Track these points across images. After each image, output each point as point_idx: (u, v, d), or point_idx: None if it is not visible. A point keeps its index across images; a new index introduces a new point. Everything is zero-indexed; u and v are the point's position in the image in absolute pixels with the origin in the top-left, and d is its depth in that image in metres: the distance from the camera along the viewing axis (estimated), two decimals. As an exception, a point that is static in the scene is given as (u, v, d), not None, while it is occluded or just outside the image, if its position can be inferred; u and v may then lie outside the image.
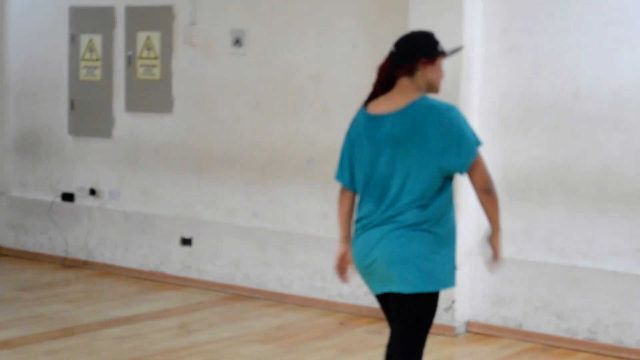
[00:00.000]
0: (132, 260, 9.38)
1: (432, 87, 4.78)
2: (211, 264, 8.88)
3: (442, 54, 4.80)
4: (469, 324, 7.52)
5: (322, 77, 8.22)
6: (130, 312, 8.03)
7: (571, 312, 7.09)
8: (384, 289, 4.64)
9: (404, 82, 4.70)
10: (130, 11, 9.31)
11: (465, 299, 7.49)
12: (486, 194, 4.68)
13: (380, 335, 7.30)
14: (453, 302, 7.41)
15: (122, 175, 9.47)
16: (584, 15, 7.00)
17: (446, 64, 7.17)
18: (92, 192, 9.65)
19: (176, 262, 9.09)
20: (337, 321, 7.79)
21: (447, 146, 4.53)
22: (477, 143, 4.62)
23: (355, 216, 4.79)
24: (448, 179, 4.64)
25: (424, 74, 4.72)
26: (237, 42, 8.63)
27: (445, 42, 7.16)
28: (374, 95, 4.84)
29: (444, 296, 7.29)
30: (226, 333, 7.41)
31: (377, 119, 4.71)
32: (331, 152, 8.11)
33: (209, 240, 8.89)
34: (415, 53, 4.72)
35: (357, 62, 8.00)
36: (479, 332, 7.46)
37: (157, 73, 9.13)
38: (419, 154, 4.56)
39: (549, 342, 7.13)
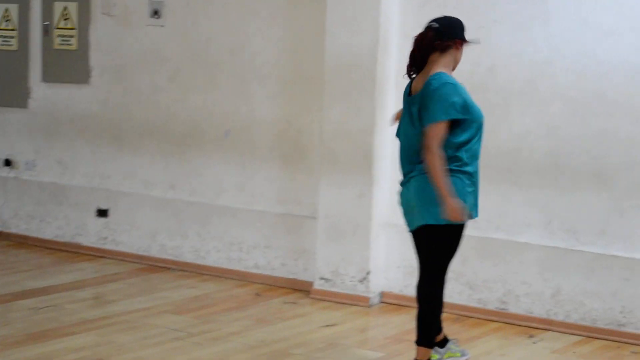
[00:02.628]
0: (48, 232, 9.23)
1: (454, 67, 5.54)
2: (127, 235, 8.77)
3: (468, 41, 5.55)
4: (383, 294, 7.50)
5: (240, 50, 8.11)
6: (45, 283, 7.90)
7: (483, 283, 7.10)
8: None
9: (433, 58, 5.43)
10: (48, -18, 9.13)
11: (379, 270, 7.46)
12: (427, 151, 5.33)
13: (295, 306, 7.32)
14: (368, 273, 7.38)
15: (38, 146, 9.29)
16: (499, -9, 6.99)
17: (364, 37, 7.26)
18: (7, 162, 9.44)
19: (92, 233, 8.97)
20: (253, 292, 7.72)
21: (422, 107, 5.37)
22: (436, 118, 5.31)
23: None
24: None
25: (455, 53, 5.50)
26: (156, 13, 8.50)
27: (362, 15, 7.25)
28: (411, 65, 5.53)
29: (359, 267, 7.31)
30: (141, 304, 7.31)
31: (411, 99, 5.50)
32: (249, 125, 8.07)
33: (126, 211, 8.77)
34: (454, 34, 5.46)
35: (276, 35, 7.92)
36: (393, 302, 7.44)
37: (74, 43, 8.96)
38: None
39: (462, 312, 7.13)
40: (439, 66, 5.42)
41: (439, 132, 5.31)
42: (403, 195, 5.64)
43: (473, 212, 5.58)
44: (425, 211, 5.44)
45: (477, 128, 5.45)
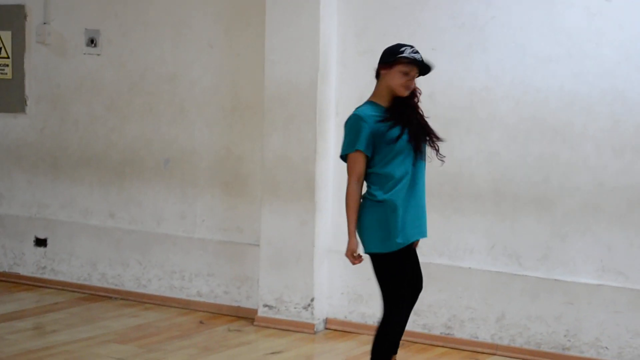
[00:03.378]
0: (-16, 262, 9.05)
1: (394, 91, 5.47)
2: (67, 264, 8.61)
3: (399, 60, 5.42)
4: (327, 320, 7.43)
5: (178, 78, 8.02)
6: (-17, 314, 7.74)
7: (428, 308, 7.05)
8: None
9: (375, 87, 5.57)
10: (-20, 9, 8.95)
11: (323, 296, 7.39)
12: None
13: (240, 334, 7.27)
14: (312, 299, 7.31)
15: (-26, 175, 9.10)
16: (437, 20, 6.98)
17: (303, 65, 7.18)
18: (-58, 192, 9.23)
19: (31, 263, 8.80)
20: (197, 320, 7.62)
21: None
22: (345, 150, 5.52)
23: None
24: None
25: (384, 79, 5.49)
26: (92, 41, 8.38)
27: (301, 44, 7.18)
28: None
29: (303, 294, 7.23)
30: (84, 334, 7.19)
31: None
32: (188, 153, 7.98)
33: (65, 240, 8.63)
34: (380, 61, 5.53)
35: (214, 62, 7.84)
36: (337, 329, 7.38)
37: (9, 72, 8.80)
38: None
39: (407, 338, 6.97)
40: (371, 96, 5.58)
41: (352, 163, 5.49)
42: None
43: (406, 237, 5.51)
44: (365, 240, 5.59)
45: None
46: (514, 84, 6.72)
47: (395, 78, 5.45)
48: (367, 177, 5.49)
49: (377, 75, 5.55)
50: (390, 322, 5.56)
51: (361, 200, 5.49)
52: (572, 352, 6.60)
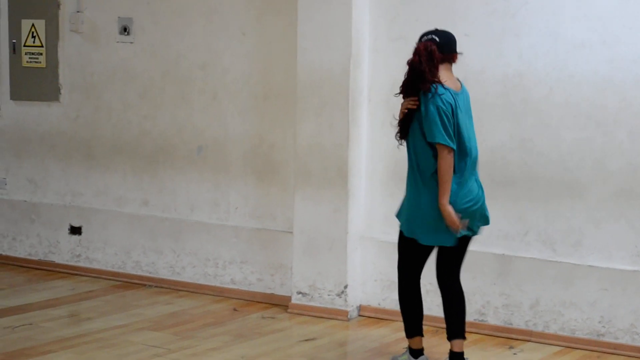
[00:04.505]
0: (21, 250, 9.10)
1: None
2: (101, 252, 8.67)
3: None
4: (361, 307, 7.45)
5: (211, 66, 8.04)
6: (20, 301, 7.79)
7: (461, 295, 7.07)
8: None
9: (449, 67, 5.83)
10: (14, -1, 9.02)
11: (357, 283, 7.41)
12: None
13: (274, 321, 7.28)
14: (345, 286, 7.33)
15: (9, 164, 9.15)
16: (469, 6, 6.97)
17: (336, 51, 7.20)
18: (-22, 181, 9.35)
19: (65, 251, 8.85)
20: (230, 307, 7.65)
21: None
22: None
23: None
24: None
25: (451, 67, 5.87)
26: (125, 30, 8.42)
27: (333, 30, 7.20)
28: (424, 73, 5.68)
29: (336, 281, 7.25)
30: (118, 321, 7.23)
31: (457, 95, 5.77)
32: (221, 141, 8.01)
33: (99, 228, 8.67)
34: (456, 48, 5.87)
35: (246, 50, 7.85)
36: (371, 315, 7.40)
37: (42, 61, 8.85)
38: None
39: (441, 325, 6.91)
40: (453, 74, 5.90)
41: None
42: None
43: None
44: None
45: None
46: (547, 70, 6.71)
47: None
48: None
49: (453, 59, 5.88)
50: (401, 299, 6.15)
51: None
52: (607, 338, 6.59)
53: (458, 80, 5.85)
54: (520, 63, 6.80)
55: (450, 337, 6.01)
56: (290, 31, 7.49)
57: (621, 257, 6.57)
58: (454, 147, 5.68)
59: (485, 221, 5.96)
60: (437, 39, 5.77)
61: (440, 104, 5.62)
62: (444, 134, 5.63)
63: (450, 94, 5.69)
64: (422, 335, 6.10)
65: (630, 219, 6.52)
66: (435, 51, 5.70)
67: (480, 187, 5.89)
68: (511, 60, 6.83)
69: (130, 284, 8.38)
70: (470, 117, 5.89)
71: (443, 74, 5.72)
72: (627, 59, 6.46)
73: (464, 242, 5.95)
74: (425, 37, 5.80)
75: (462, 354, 5.97)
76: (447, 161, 5.63)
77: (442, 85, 5.66)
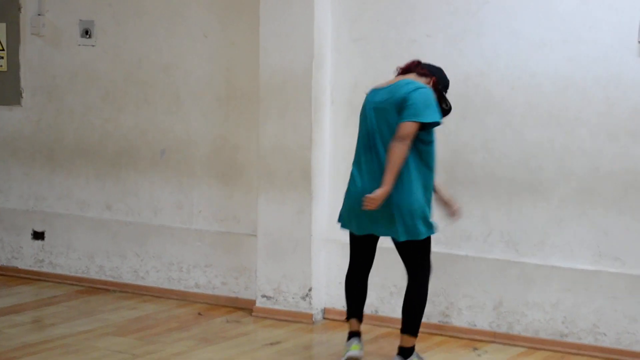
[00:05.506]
0: (-18, 255, 9.07)
1: None
2: (65, 257, 8.62)
3: (442, 95, 6.08)
4: (326, 310, 7.45)
5: (173, 68, 8.02)
6: (-19, 307, 7.77)
7: (425, 297, 7.08)
8: None
9: (411, 76, 5.99)
10: (-26, 2, 8.94)
11: (321, 286, 7.41)
12: (395, 141, 5.73)
13: (238, 324, 7.27)
14: (310, 289, 7.33)
15: (-31, 168, 9.11)
16: (430, 6, 6.96)
17: (299, 52, 7.19)
18: (-62, 186, 9.25)
19: (28, 256, 8.81)
20: (195, 312, 7.63)
21: None
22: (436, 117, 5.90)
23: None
24: None
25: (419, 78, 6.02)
26: (86, 32, 8.38)
27: (295, 32, 7.18)
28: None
29: (300, 283, 7.25)
30: (82, 327, 7.20)
31: (377, 90, 6.06)
32: (184, 143, 7.99)
33: (62, 233, 8.63)
34: (434, 73, 6.08)
35: (209, 51, 7.83)
36: (336, 318, 7.38)
37: (3, 65, 8.81)
38: None
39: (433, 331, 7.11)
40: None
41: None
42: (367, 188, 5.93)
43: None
44: None
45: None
46: (509, 69, 6.71)
47: None
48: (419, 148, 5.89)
49: (422, 75, 6.01)
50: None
51: (409, 172, 5.87)
52: (570, 339, 6.60)
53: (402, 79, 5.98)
54: (481, 62, 6.80)
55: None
56: (253, 32, 7.47)
57: (583, 257, 6.58)
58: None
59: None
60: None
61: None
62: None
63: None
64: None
65: (593, 219, 6.53)
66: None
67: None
68: (472, 60, 6.83)
69: (94, 289, 8.34)
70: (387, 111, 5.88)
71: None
72: (587, 57, 6.47)
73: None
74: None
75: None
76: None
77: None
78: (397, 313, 7.01)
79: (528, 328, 6.75)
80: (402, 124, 5.72)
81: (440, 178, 6.91)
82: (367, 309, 7.22)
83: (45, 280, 8.62)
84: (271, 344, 6.79)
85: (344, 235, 7.28)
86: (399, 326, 7.05)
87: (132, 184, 8.28)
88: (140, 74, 8.18)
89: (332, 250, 7.37)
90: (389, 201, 5.77)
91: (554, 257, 6.66)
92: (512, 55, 6.70)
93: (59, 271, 8.64)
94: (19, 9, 8.68)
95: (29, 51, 8.69)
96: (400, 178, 5.78)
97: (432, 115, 5.78)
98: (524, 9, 6.66)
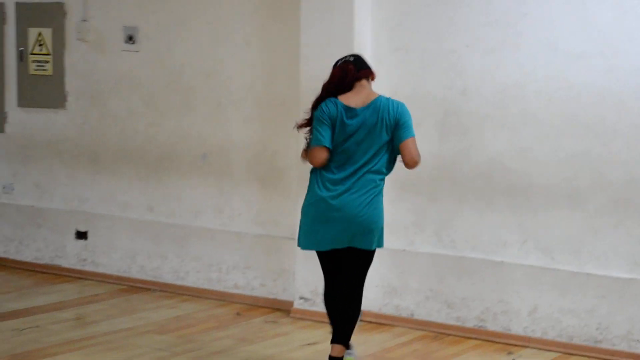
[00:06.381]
0: (27, 254, 9.10)
1: None
2: (107, 256, 8.66)
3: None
4: (363, 313, 7.37)
5: (215, 74, 8.03)
6: (27, 304, 7.80)
7: (461, 301, 7.05)
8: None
9: (364, 84, 5.87)
10: (21, 7, 8.99)
11: (358, 289, 7.38)
12: (418, 156, 5.78)
13: (276, 325, 7.27)
14: (347, 292, 7.29)
15: (16, 169, 9.16)
16: (469, 17, 6.94)
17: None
18: (-15, 186, 9.35)
19: (71, 255, 8.85)
20: (234, 312, 7.64)
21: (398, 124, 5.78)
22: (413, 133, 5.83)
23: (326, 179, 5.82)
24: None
25: (370, 82, 5.94)
26: (130, 39, 8.41)
27: (335, 40, 7.16)
28: (337, 86, 5.86)
29: (338, 287, 7.25)
30: (124, 324, 7.24)
31: (352, 110, 5.75)
32: (225, 148, 7.99)
33: (105, 233, 8.67)
34: (367, 65, 5.94)
35: (250, 59, 7.84)
36: (372, 321, 7.36)
37: (49, 69, 8.85)
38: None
39: (440, 330, 7.09)
40: (369, 89, 5.89)
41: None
42: (344, 201, 5.75)
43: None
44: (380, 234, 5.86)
45: None
46: (546, 81, 6.68)
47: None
48: (387, 163, 5.84)
49: (368, 77, 5.92)
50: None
51: (380, 189, 5.79)
52: (604, 345, 6.56)
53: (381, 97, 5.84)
54: (519, 73, 6.77)
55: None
56: (293, 40, 7.48)
57: (619, 266, 6.53)
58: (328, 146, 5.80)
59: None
60: (353, 60, 5.94)
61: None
62: (318, 138, 5.82)
63: (336, 106, 5.80)
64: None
65: (628, 228, 6.49)
66: (347, 69, 5.88)
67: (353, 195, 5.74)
68: (510, 71, 6.80)
69: (135, 288, 8.38)
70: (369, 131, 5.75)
71: (364, 89, 5.85)
72: (625, 69, 6.44)
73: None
74: (345, 59, 5.97)
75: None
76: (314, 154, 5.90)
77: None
78: (433, 317, 7.11)
79: (562, 334, 6.71)
80: (411, 139, 5.75)
81: (477, 186, 6.96)
82: (403, 312, 7.24)
83: (87, 279, 8.67)
84: (308, 344, 6.79)
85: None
86: (435, 329, 7.08)
87: (173, 187, 8.30)
88: (182, 80, 8.20)
89: (369, 255, 7.34)
90: (369, 217, 5.69)
91: (589, 265, 6.62)
92: (550, 66, 6.67)
93: (101, 270, 8.69)
94: (65, 14, 8.75)
95: (74, 56, 8.75)
96: (378, 196, 5.75)
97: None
98: (561, 21, 6.63)
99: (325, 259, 5.89)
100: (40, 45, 8.87)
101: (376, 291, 7.35)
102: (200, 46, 8.08)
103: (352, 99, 5.79)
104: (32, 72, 8.94)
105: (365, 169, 5.74)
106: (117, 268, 8.60)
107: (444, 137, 7.08)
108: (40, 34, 8.85)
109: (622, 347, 6.52)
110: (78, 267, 8.81)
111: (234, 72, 7.89)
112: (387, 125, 5.73)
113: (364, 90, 5.84)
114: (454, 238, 7.09)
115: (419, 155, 5.75)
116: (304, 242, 5.88)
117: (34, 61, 8.92)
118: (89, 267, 8.76)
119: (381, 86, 7.21)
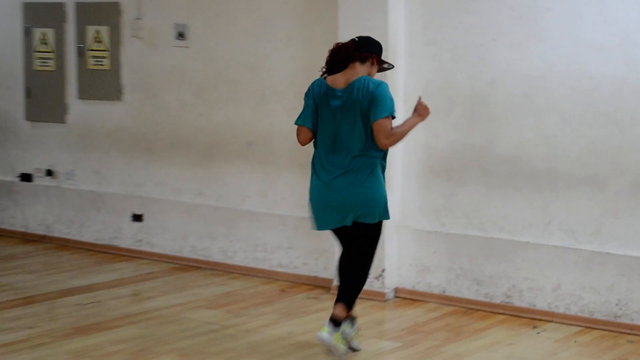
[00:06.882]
0: (87, 235, 9.16)
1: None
2: (161, 237, 8.71)
3: (383, 62, 5.81)
4: (397, 290, 7.46)
5: (259, 68, 8.05)
6: (88, 281, 7.87)
7: (489, 279, 7.06)
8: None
9: (356, 65, 5.63)
10: (80, 7, 9.04)
11: (393, 268, 7.42)
12: (388, 137, 5.54)
13: (318, 301, 7.29)
14: (383, 270, 7.34)
15: (76, 157, 9.22)
16: (496, 12, 6.93)
17: (373, 56, 7.19)
18: (49, 172, 9.39)
19: (128, 236, 8.91)
20: (278, 288, 7.68)
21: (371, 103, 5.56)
22: (393, 111, 5.60)
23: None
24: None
25: (369, 67, 5.70)
26: (181, 35, 8.44)
27: (372, 36, 7.07)
28: (329, 65, 5.73)
29: (374, 265, 7.23)
30: (177, 300, 7.29)
31: (334, 91, 5.64)
32: (269, 137, 8.02)
33: (159, 216, 8.72)
34: (372, 50, 5.71)
35: (291, 54, 7.85)
36: (406, 297, 7.39)
37: (106, 64, 8.90)
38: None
39: (470, 306, 7.11)
40: (361, 72, 5.65)
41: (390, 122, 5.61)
42: (340, 183, 5.66)
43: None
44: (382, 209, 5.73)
45: None
46: (568, 72, 6.66)
47: (374, 71, 5.79)
48: (373, 144, 5.62)
49: (364, 58, 5.66)
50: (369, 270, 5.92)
51: (373, 167, 5.64)
52: (623, 320, 6.55)
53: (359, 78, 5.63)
54: (543, 65, 6.76)
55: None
56: (332, 36, 7.44)
57: (637, 245, 6.51)
58: (308, 127, 5.80)
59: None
60: (357, 40, 5.74)
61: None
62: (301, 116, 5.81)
63: (320, 85, 5.73)
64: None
65: (646, 210, 6.49)
66: (342, 47, 5.70)
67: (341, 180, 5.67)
68: (535, 63, 6.79)
69: (187, 267, 8.41)
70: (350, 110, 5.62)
71: (353, 70, 5.64)
72: (642, 61, 6.42)
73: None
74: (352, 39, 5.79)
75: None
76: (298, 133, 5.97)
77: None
78: (463, 293, 7.12)
79: (584, 309, 6.71)
80: (382, 120, 5.51)
81: (504, 171, 6.95)
82: (435, 289, 7.27)
83: (143, 258, 8.72)
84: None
85: (415, 222, 7.35)
86: (464, 305, 7.07)
87: (221, 173, 8.33)
88: (229, 73, 8.23)
89: (403, 236, 7.38)
90: (366, 195, 5.61)
91: (610, 244, 6.60)
92: (572, 59, 6.65)
93: (155, 250, 8.73)
94: (120, 13, 8.79)
95: (129, 52, 8.78)
96: (375, 174, 5.64)
97: (394, 108, 5.61)
98: (583, 15, 6.60)
99: (336, 234, 5.90)
100: (98, 42, 8.91)
101: (410, 269, 7.39)
102: (246, 42, 8.11)
103: (339, 79, 5.64)
104: (90, 66, 8.99)
105: (354, 151, 5.60)
106: (170, 248, 8.64)
107: (472, 126, 7.08)
108: (98, 32, 8.90)
109: (640, 321, 6.54)
110: (134, 247, 8.86)
111: (276, 66, 7.91)
112: (362, 107, 5.54)
113: (352, 71, 5.63)
114: (482, 220, 7.10)
115: (391, 138, 5.53)
116: (315, 224, 5.88)
117: (92, 57, 8.96)
118: (144, 248, 8.80)
119: (414, 78, 7.29)
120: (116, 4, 8.79)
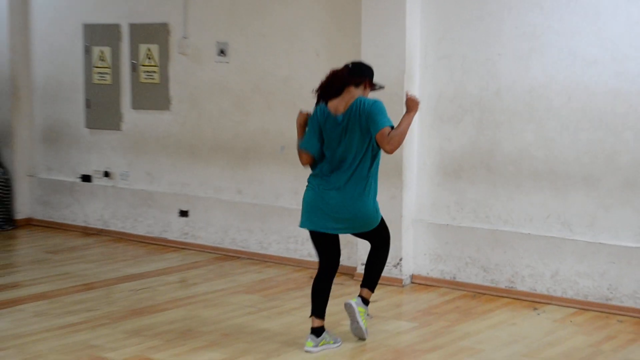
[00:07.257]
0: (140, 229, 9.20)
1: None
2: (204, 231, 8.73)
3: (374, 84, 5.65)
4: (413, 276, 7.48)
5: (290, 80, 8.07)
6: (140, 270, 7.92)
7: (495, 267, 7.08)
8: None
9: (351, 89, 5.49)
10: (133, 27, 9.09)
11: (410, 257, 7.45)
12: (389, 142, 5.35)
13: (343, 287, 7.27)
14: (401, 259, 7.37)
15: (130, 160, 9.27)
16: (502, 29, 6.94)
17: (393, 68, 7.22)
18: (106, 174, 9.45)
19: (176, 230, 8.93)
20: (308, 275, 7.67)
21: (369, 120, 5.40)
22: (390, 122, 5.41)
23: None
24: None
25: (363, 89, 5.55)
26: (222, 52, 8.47)
27: (391, 51, 7.22)
28: (326, 90, 5.54)
29: (393, 254, 7.29)
30: (219, 286, 7.32)
31: (334, 116, 5.49)
32: (300, 141, 8.04)
33: (202, 212, 8.73)
34: (365, 74, 5.57)
35: (320, 67, 7.77)
36: (421, 283, 7.41)
37: (156, 78, 8.93)
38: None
39: (477, 291, 7.13)
40: (356, 95, 5.49)
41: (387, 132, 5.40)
42: (335, 198, 5.52)
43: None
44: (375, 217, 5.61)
45: None
46: (567, 82, 6.67)
47: (367, 94, 5.62)
48: (371, 160, 5.51)
49: (358, 83, 5.51)
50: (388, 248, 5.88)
51: (365, 184, 5.49)
52: (614, 302, 6.57)
53: (358, 99, 5.50)
54: (544, 77, 6.77)
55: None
56: (356, 51, 7.49)
57: (627, 236, 6.53)
58: (313, 153, 5.62)
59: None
60: (351, 67, 5.59)
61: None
62: (305, 140, 5.64)
63: (323, 111, 5.56)
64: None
65: (635, 205, 6.48)
66: (338, 73, 5.54)
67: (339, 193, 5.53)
68: (536, 75, 6.80)
69: (227, 257, 8.42)
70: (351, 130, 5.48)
71: (350, 94, 5.49)
72: (633, 73, 6.42)
73: None
74: (345, 65, 5.65)
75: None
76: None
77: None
78: (471, 279, 7.13)
79: (579, 293, 6.72)
80: (381, 131, 5.34)
81: (508, 171, 6.95)
82: (447, 276, 7.28)
83: (189, 249, 8.73)
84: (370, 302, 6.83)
85: (429, 217, 7.34)
86: (473, 290, 7.07)
87: (257, 174, 8.34)
88: (264, 85, 8.25)
89: (419, 228, 7.40)
90: (356, 212, 5.50)
91: (602, 235, 6.62)
92: (570, 71, 6.66)
93: (199, 242, 8.74)
94: (168, 33, 8.82)
95: (176, 67, 8.81)
96: (366, 189, 5.49)
97: (391, 121, 5.44)
98: (579, 32, 6.62)
99: (317, 240, 5.69)
100: (149, 58, 8.95)
101: (424, 258, 7.42)
102: (279, 57, 8.13)
103: (339, 105, 5.48)
104: (142, 80, 9.02)
105: (352, 169, 5.46)
106: (213, 240, 8.65)
107: (480, 131, 7.09)
108: (149, 49, 8.94)
109: (629, 304, 6.52)
110: (181, 239, 8.86)
111: (306, 78, 7.89)
112: (361, 125, 5.40)
113: (349, 95, 5.47)
114: (488, 214, 7.12)
115: (392, 142, 5.32)
116: (301, 221, 5.67)
117: (144, 71, 8.99)
118: (190, 240, 8.81)
119: (428, 89, 7.29)
120: (165, 25, 8.82)
